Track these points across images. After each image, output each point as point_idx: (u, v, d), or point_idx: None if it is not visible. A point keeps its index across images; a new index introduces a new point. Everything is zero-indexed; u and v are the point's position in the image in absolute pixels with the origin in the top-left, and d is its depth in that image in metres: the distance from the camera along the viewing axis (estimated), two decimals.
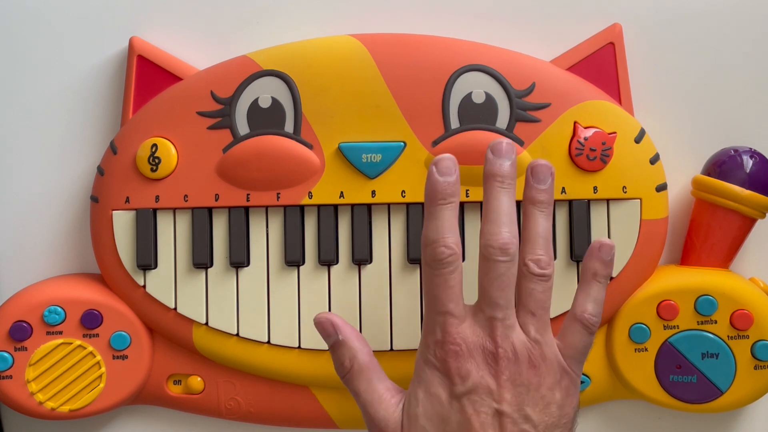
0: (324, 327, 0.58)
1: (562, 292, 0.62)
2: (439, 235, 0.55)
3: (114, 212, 0.63)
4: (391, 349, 0.62)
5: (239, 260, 0.62)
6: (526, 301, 0.56)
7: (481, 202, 0.62)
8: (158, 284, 0.63)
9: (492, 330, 0.54)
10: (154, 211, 0.63)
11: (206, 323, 0.63)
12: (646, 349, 0.62)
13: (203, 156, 0.62)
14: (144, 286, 0.63)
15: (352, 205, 0.62)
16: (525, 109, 0.62)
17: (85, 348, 0.62)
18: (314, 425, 0.64)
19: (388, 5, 0.65)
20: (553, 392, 0.55)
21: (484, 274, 0.55)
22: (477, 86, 0.62)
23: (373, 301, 0.62)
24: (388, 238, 0.63)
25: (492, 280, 0.55)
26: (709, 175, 0.63)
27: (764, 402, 0.64)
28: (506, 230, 0.55)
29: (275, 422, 0.65)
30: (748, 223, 0.63)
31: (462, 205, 0.62)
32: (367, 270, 0.63)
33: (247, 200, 0.62)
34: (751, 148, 0.63)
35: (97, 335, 0.62)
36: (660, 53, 0.65)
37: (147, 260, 0.62)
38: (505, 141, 0.57)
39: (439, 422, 0.54)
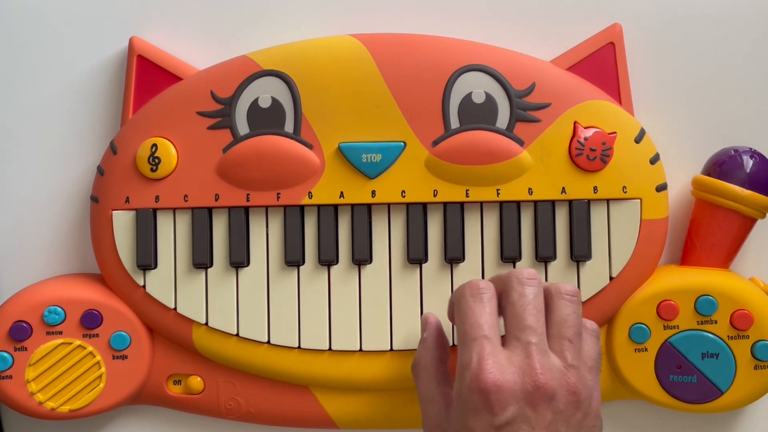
0: (421, 322, 0.60)
1: None
2: (474, 282, 0.56)
3: (114, 212, 0.63)
4: (391, 349, 0.62)
5: (239, 260, 0.62)
6: (562, 328, 0.55)
7: (480, 202, 0.62)
8: (158, 284, 0.63)
9: (529, 356, 0.53)
10: (154, 211, 0.63)
11: (206, 323, 0.63)
12: (646, 349, 0.62)
13: (203, 156, 0.62)
14: (144, 286, 0.63)
15: (352, 205, 0.62)
16: (525, 109, 0.62)
17: (85, 348, 0.62)
18: (314, 425, 0.64)
19: (388, 5, 0.65)
20: (588, 414, 0.54)
21: (515, 301, 0.55)
22: (477, 86, 0.62)
23: (373, 301, 0.62)
24: (388, 238, 0.63)
25: (525, 306, 0.54)
26: (709, 175, 0.63)
27: (764, 402, 0.64)
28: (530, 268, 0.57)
29: (275, 422, 0.64)
30: (748, 223, 0.63)
31: (462, 205, 0.62)
32: (367, 270, 0.63)
33: (247, 200, 0.62)
34: (751, 148, 0.63)
35: (97, 335, 0.62)
36: (660, 53, 0.65)
37: (147, 260, 0.62)
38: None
39: None
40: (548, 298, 0.56)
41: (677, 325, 0.62)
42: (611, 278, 0.62)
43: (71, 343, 0.62)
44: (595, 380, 0.56)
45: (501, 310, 0.57)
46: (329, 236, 0.62)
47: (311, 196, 0.62)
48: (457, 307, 0.56)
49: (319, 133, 0.62)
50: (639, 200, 0.62)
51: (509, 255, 0.62)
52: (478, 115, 0.62)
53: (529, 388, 0.52)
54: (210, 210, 0.63)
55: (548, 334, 0.55)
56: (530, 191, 0.61)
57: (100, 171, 0.63)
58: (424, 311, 0.62)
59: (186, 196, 0.62)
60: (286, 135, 0.62)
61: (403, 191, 0.62)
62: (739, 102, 0.65)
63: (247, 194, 0.62)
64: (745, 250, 0.65)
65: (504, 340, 0.55)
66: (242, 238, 0.62)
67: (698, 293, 0.61)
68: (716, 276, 0.62)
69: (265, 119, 0.62)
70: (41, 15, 0.65)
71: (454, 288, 0.62)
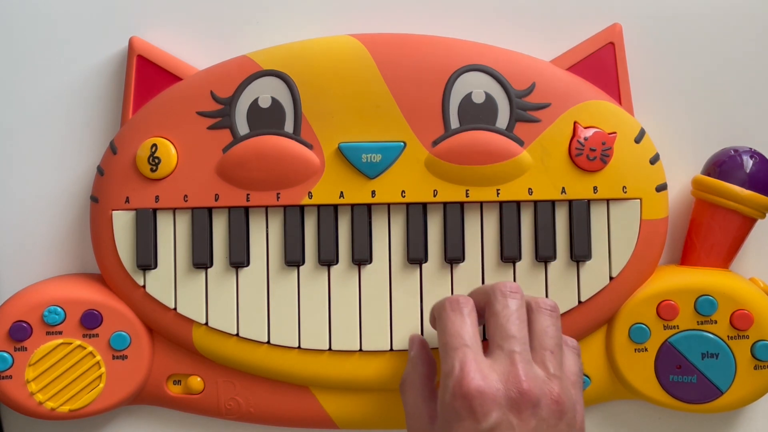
0: (409, 342, 0.61)
1: (562, 292, 0.62)
2: (454, 296, 0.58)
3: (114, 212, 0.63)
4: (391, 349, 0.62)
5: (239, 260, 0.62)
6: (543, 339, 0.56)
7: (480, 202, 0.62)
8: (158, 284, 0.63)
9: (513, 364, 0.54)
10: (154, 211, 0.63)
11: (206, 323, 0.63)
12: (646, 349, 0.62)
13: (203, 156, 0.62)
14: (144, 286, 0.63)
15: (352, 205, 0.62)
16: (525, 109, 0.62)
17: (84, 348, 0.62)
18: (314, 425, 0.64)
19: (388, 5, 0.65)
20: (572, 426, 0.54)
21: (498, 312, 0.56)
22: (477, 86, 0.62)
23: (373, 301, 0.62)
24: (388, 238, 0.63)
25: (508, 316, 0.55)
26: (709, 175, 0.63)
27: (764, 402, 0.64)
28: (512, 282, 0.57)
29: (275, 422, 0.64)
30: (748, 223, 0.63)
31: (462, 205, 0.62)
32: (367, 270, 0.63)
33: (247, 200, 0.62)
34: (751, 148, 0.63)
35: (97, 335, 0.62)
36: (660, 53, 0.65)
37: (147, 260, 0.62)
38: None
39: None
40: (528, 312, 0.57)
41: (677, 325, 0.62)
42: (611, 278, 0.62)
43: (71, 343, 0.62)
44: (578, 395, 0.56)
45: (482, 321, 0.58)
46: (329, 236, 0.62)
47: (311, 196, 0.62)
48: (438, 321, 0.57)
49: (319, 133, 0.62)
50: (639, 200, 0.62)
51: (509, 255, 0.62)
52: (478, 115, 0.62)
53: (512, 395, 0.53)
54: (210, 210, 0.63)
55: (529, 345, 0.56)
56: (530, 191, 0.61)
57: (100, 171, 0.63)
58: (424, 311, 0.62)
59: (186, 196, 0.62)
60: (286, 135, 0.62)
61: (403, 191, 0.62)
62: (739, 102, 0.65)
63: (247, 194, 0.62)
64: (745, 250, 0.65)
65: (487, 351, 0.55)
66: (242, 238, 0.62)
67: (698, 293, 0.61)
68: (716, 276, 0.62)
69: (265, 119, 0.62)
70: (41, 15, 0.66)
71: (454, 288, 0.62)
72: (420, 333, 0.62)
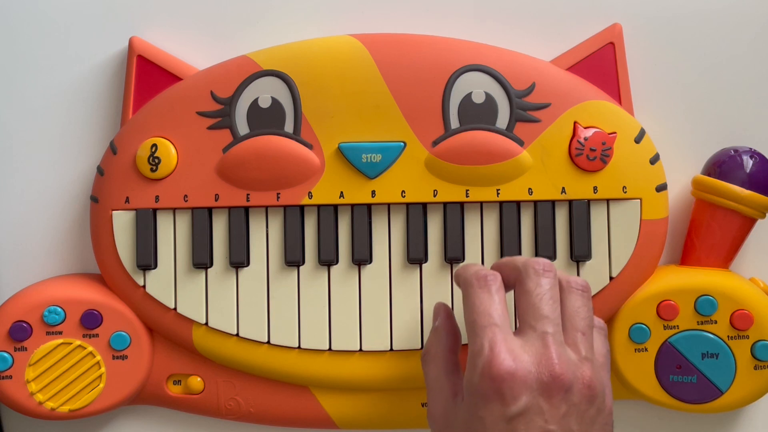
0: (433, 311, 0.59)
1: None
2: (478, 268, 0.55)
3: (114, 212, 0.63)
4: (391, 349, 0.62)
5: (239, 260, 0.62)
6: (575, 319, 0.54)
7: (480, 202, 0.62)
8: (158, 284, 0.63)
9: (546, 346, 0.52)
10: (154, 211, 0.63)
11: (206, 323, 0.63)
12: (646, 349, 0.62)
13: (203, 156, 0.62)
14: (144, 286, 0.63)
15: (352, 205, 0.62)
16: (525, 109, 0.62)
17: (84, 348, 0.62)
18: (314, 425, 0.64)
19: (388, 5, 0.65)
20: (601, 411, 0.53)
21: (531, 290, 0.53)
22: (477, 86, 0.62)
23: (373, 301, 0.62)
24: (388, 238, 0.63)
25: (541, 295, 0.53)
26: (709, 175, 0.63)
27: (764, 402, 0.64)
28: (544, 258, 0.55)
29: (275, 422, 0.64)
30: (748, 223, 0.63)
31: (462, 205, 0.62)
32: (367, 270, 0.63)
33: (247, 200, 0.62)
34: (751, 148, 0.63)
35: (97, 335, 0.62)
36: (660, 53, 0.65)
37: (147, 260, 0.62)
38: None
39: None
40: (560, 291, 0.55)
41: (677, 325, 0.62)
42: (611, 278, 0.62)
43: (71, 343, 0.62)
44: (607, 377, 0.55)
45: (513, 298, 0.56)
46: (329, 236, 0.62)
47: (311, 196, 0.62)
48: (465, 297, 0.55)
49: (319, 133, 0.62)
50: (639, 200, 0.62)
51: (509, 255, 0.62)
52: (478, 115, 0.62)
53: (544, 378, 0.51)
54: (210, 210, 0.63)
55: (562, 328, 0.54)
56: (530, 191, 0.61)
57: (100, 171, 0.63)
58: (424, 311, 0.62)
59: (186, 196, 0.62)
60: (286, 135, 0.62)
61: (403, 191, 0.62)
62: (739, 102, 0.65)
63: (247, 194, 0.62)
64: (745, 250, 0.65)
65: (517, 330, 0.54)
66: (242, 238, 0.62)
67: (698, 293, 0.61)
68: (716, 276, 0.62)
69: (265, 119, 0.62)
70: (41, 15, 0.65)
71: (455, 288, 0.62)
72: (420, 333, 0.62)
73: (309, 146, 0.62)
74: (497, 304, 0.53)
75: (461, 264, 0.60)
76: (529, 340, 0.52)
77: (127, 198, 0.62)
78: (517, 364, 0.51)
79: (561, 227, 0.62)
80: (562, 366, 0.51)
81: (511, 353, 0.51)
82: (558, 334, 0.53)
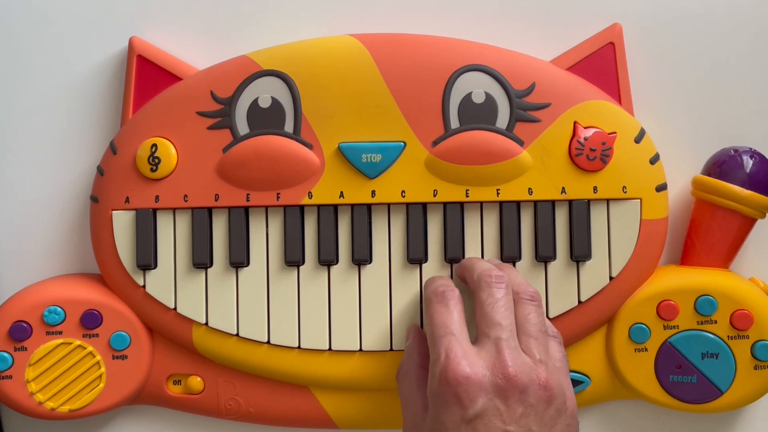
0: (406, 331, 0.62)
1: (562, 292, 0.62)
2: (439, 282, 0.58)
3: (114, 212, 0.63)
4: (391, 349, 0.62)
5: (239, 260, 0.62)
6: (526, 326, 0.56)
7: (480, 202, 0.62)
8: (158, 284, 0.63)
9: (500, 351, 0.54)
10: (154, 211, 0.63)
11: (206, 323, 0.63)
12: (646, 349, 0.62)
13: (203, 156, 0.62)
14: (144, 286, 0.63)
15: (352, 205, 0.62)
16: (525, 109, 0.62)
17: (84, 348, 0.62)
18: (314, 425, 0.64)
19: (388, 5, 0.65)
20: (562, 412, 0.54)
21: (483, 301, 0.56)
22: (477, 86, 0.62)
23: (373, 301, 0.62)
24: (388, 238, 0.63)
25: (493, 304, 0.56)
26: (709, 175, 0.63)
27: (764, 402, 0.64)
28: (497, 270, 0.58)
29: (275, 422, 0.64)
30: (748, 223, 0.63)
31: (462, 205, 0.62)
32: (367, 270, 0.63)
33: (247, 200, 0.62)
34: (751, 148, 0.63)
35: (97, 335, 0.62)
36: (660, 53, 0.65)
37: (147, 260, 0.62)
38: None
39: None
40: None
41: (677, 325, 0.62)
42: (611, 278, 0.62)
43: (71, 343, 0.62)
44: (566, 380, 0.57)
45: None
46: (329, 236, 0.62)
47: (311, 196, 0.62)
48: (425, 312, 0.58)
49: (319, 133, 0.62)
50: (639, 200, 0.62)
51: (509, 255, 0.62)
52: (478, 115, 0.62)
53: (499, 381, 0.53)
54: (210, 210, 0.63)
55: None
56: (530, 191, 0.61)
57: (100, 171, 0.63)
58: (424, 311, 0.62)
59: (186, 196, 0.62)
60: (286, 135, 0.62)
61: (403, 191, 0.62)
62: (739, 102, 0.65)
63: (247, 194, 0.62)
64: (745, 250, 0.65)
65: (475, 340, 0.56)
66: (242, 238, 0.62)
67: (698, 293, 0.61)
68: (716, 276, 0.62)
69: (265, 119, 0.62)
70: (41, 15, 0.65)
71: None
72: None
73: (309, 146, 0.62)
74: (454, 316, 0.56)
75: (431, 276, 0.62)
76: (484, 347, 0.55)
77: (127, 198, 0.62)
78: (472, 368, 0.53)
79: (561, 227, 0.62)
80: (516, 368, 0.53)
81: (467, 359, 0.54)
82: (512, 339, 0.55)
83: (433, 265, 0.62)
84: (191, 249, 0.63)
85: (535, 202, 0.62)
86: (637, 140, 0.62)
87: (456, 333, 0.55)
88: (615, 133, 0.62)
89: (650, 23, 0.65)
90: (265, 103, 0.62)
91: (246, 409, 0.64)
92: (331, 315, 0.62)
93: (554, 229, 0.62)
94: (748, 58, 0.65)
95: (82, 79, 0.66)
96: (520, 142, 0.61)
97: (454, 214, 0.62)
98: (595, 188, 0.62)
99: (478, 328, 0.56)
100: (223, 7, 0.65)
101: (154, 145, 0.62)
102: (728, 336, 0.61)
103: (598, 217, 0.62)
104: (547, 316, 0.62)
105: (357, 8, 0.65)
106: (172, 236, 0.63)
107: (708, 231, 0.63)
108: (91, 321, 0.62)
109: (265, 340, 0.63)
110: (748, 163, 0.62)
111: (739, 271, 0.65)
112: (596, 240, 0.62)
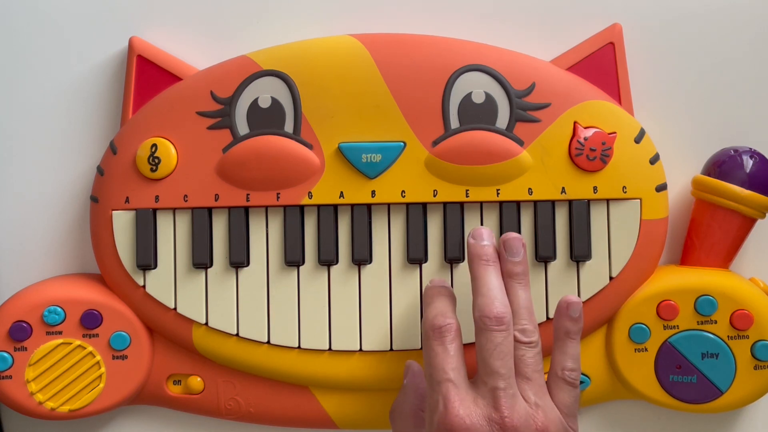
0: (404, 368, 0.61)
1: (562, 292, 0.62)
2: (437, 311, 0.57)
3: (114, 212, 0.63)
4: (391, 349, 0.62)
5: (239, 260, 0.62)
6: (520, 367, 0.56)
7: (480, 202, 0.62)
8: (158, 284, 0.63)
9: (496, 400, 0.54)
10: (154, 211, 0.63)
11: (206, 323, 0.63)
12: (646, 349, 0.62)
13: (203, 156, 0.62)
14: (144, 286, 0.63)
15: (352, 205, 0.62)
16: (525, 109, 0.62)
17: (84, 348, 0.62)
18: (314, 425, 0.64)
19: (388, 5, 0.65)
20: None
21: (482, 345, 0.55)
22: (477, 86, 0.62)
23: (373, 301, 0.62)
24: (388, 238, 0.63)
25: (491, 351, 0.55)
26: (709, 175, 0.63)
27: (764, 402, 0.64)
28: (498, 302, 0.56)
29: (275, 422, 0.65)
30: (748, 223, 0.63)
31: (462, 205, 0.62)
32: (367, 270, 0.63)
33: (247, 200, 0.62)
34: (751, 148, 0.63)
35: (97, 335, 0.62)
36: (660, 53, 0.65)
37: (147, 260, 0.62)
38: (484, 229, 0.59)
39: None
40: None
41: (677, 325, 0.62)
42: (611, 278, 0.62)
43: (71, 343, 0.62)
44: (573, 422, 0.56)
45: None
46: (329, 236, 0.62)
47: (311, 196, 0.62)
48: (423, 348, 0.57)
49: (319, 133, 0.62)
50: (639, 200, 0.62)
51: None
52: (478, 115, 0.62)
53: (495, 430, 0.53)
54: (210, 210, 0.63)
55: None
56: (530, 191, 0.61)
57: (100, 171, 0.63)
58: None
59: (186, 196, 0.62)
60: (286, 135, 0.62)
61: (403, 191, 0.62)
62: (739, 102, 0.65)
63: (247, 194, 0.62)
64: (745, 250, 0.65)
65: (474, 379, 0.56)
66: (242, 238, 0.62)
67: (698, 293, 0.61)
68: (716, 276, 0.62)
69: (265, 119, 0.62)
70: (41, 15, 0.66)
71: (454, 288, 0.62)
72: (420, 333, 0.62)
73: (309, 146, 0.62)
74: (451, 357, 0.56)
75: (431, 279, 0.61)
76: (482, 394, 0.55)
77: (127, 198, 0.62)
78: (470, 419, 0.53)
79: (561, 227, 0.62)
80: (513, 419, 0.54)
81: (465, 408, 0.54)
82: (510, 387, 0.55)
83: (433, 265, 0.62)
84: (191, 249, 0.63)
85: (535, 202, 0.62)
86: (637, 140, 0.62)
87: (454, 379, 0.55)
88: (615, 133, 0.62)
89: (650, 23, 0.65)
90: (265, 103, 0.62)
91: (246, 409, 0.64)
92: (331, 315, 0.62)
93: (554, 229, 0.62)
94: (748, 58, 0.65)
95: (82, 79, 0.66)
96: (520, 142, 0.61)
97: (454, 214, 0.62)
98: (595, 188, 0.62)
99: (478, 367, 0.56)
100: (223, 7, 0.65)
101: (154, 145, 0.62)
102: (728, 336, 0.61)
103: (598, 217, 0.62)
104: (547, 316, 0.62)
105: (357, 8, 0.65)
106: (172, 236, 0.63)
107: (708, 231, 0.63)
108: (91, 321, 0.62)
109: (265, 340, 0.63)
110: (748, 163, 0.62)
111: (739, 271, 0.65)
112: (596, 240, 0.62)
